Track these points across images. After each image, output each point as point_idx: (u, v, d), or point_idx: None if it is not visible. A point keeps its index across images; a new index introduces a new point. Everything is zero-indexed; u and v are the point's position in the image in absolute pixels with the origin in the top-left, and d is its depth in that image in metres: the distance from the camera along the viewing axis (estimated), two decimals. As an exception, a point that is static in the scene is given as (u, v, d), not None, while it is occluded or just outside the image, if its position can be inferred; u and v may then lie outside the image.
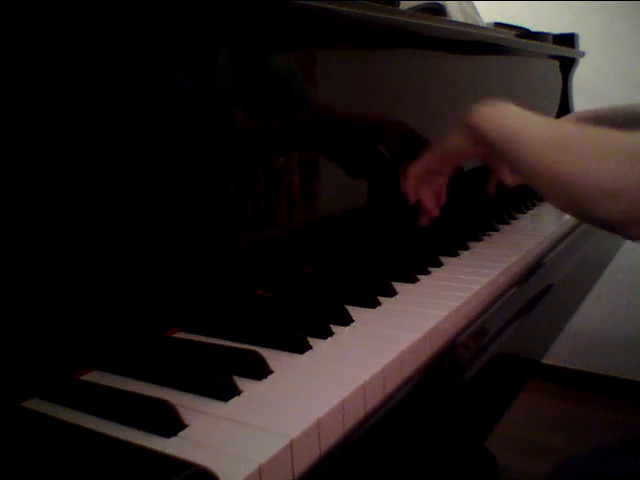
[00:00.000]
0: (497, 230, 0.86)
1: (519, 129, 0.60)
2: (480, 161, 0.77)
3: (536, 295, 0.71)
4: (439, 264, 0.69)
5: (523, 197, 1.02)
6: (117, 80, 0.46)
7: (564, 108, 1.45)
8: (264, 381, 0.42)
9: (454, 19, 1.00)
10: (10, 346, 0.40)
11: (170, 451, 0.34)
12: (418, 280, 0.64)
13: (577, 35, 1.46)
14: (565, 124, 0.64)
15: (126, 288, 0.47)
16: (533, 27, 1.34)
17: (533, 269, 0.75)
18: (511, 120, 0.62)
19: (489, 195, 0.87)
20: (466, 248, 0.76)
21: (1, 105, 0.39)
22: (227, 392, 0.40)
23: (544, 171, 0.57)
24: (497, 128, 0.63)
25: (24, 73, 0.40)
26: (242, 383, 0.41)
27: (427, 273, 0.66)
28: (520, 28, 1.30)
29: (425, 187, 0.76)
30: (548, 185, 0.57)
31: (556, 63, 1.40)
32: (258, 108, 0.60)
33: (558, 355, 1.88)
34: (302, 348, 0.47)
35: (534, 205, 1.05)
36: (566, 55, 1.40)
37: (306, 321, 0.50)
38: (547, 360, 1.89)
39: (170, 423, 0.36)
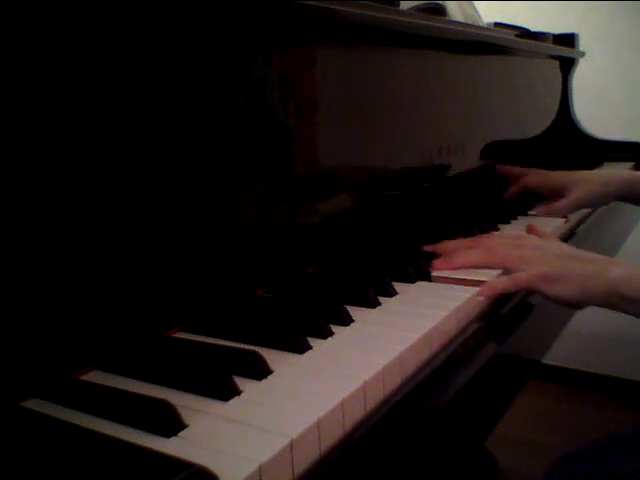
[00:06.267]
0: (497, 230, 0.86)
1: None
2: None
3: (536, 296, 0.71)
4: (439, 264, 0.69)
5: (520, 201, 1.01)
6: (118, 80, 0.46)
7: (564, 108, 1.45)
8: (264, 381, 0.42)
9: (454, 19, 1.00)
10: (10, 346, 0.40)
11: (170, 451, 0.34)
12: (418, 280, 0.64)
13: (577, 35, 1.47)
14: None
15: (126, 288, 0.47)
16: (533, 27, 1.34)
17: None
18: None
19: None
20: (466, 248, 0.76)
21: (2, 105, 0.39)
22: (227, 392, 0.40)
23: None
24: None
25: (26, 74, 0.40)
26: (242, 383, 0.41)
27: (428, 273, 0.66)
28: (520, 28, 1.30)
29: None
30: None
31: (556, 63, 1.40)
32: (255, 107, 0.59)
33: (558, 355, 1.88)
34: (302, 348, 0.47)
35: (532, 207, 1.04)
36: (566, 55, 1.41)
37: (306, 321, 0.50)
38: (547, 360, 1.89)
39: (170, 423, 0.36)
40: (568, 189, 0.95)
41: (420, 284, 0.63)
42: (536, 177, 1.01)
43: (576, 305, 0.66)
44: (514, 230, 0.88)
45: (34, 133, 0.41)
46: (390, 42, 0.77)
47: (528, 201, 1.00)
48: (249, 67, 0.58)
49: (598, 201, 0.97)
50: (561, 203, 0.94)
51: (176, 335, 0.51)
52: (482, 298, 0.61)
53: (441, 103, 0.92)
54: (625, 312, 0.66)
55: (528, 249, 0.68)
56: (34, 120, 0.41)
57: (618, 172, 1.01)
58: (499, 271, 0.66)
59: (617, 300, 0.64)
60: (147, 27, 0.47)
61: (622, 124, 1.75)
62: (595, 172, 1.03)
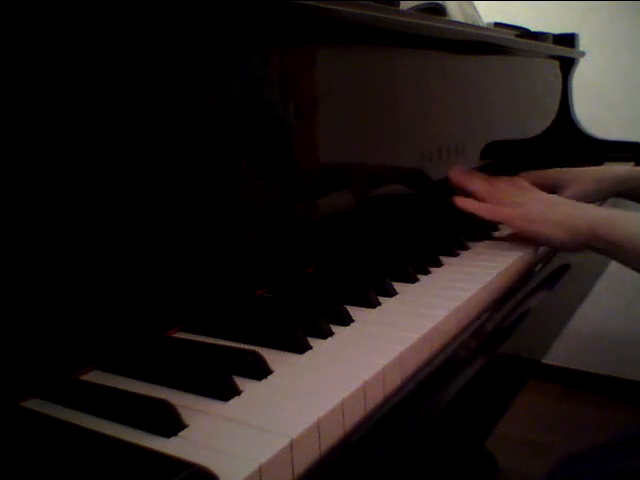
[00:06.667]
0: (498, 229, 0.87)
1: None
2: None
3: (536, 295, 0.71)
4: (439, 264, 0.69)
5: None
6: (118, 81, 0.46)
7: (564, 108, 1.45)
8: (264, 381, 0.42)
9: (454, 19, 1.00)
10: (10, 346, 0.40)
11: (170, 451, 0.34)
12: (418, 280, 0.64)
13: (577, 35, 1.47)
14: None
15: (126, 288, 0.47)
16: (533, 27, 1.34)
17: (532, 269, 0.75)
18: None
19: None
20: (466, 248, 0.76)
21: (2, 105, 0.39)
22: (227, 392, 0.40)
23: None
24: (633, 238, 0.66)
25: (26, 73, 0.40)
26: (242, 383, 0.41)
27: (427, 273, 0.66)
28: (520, 28, 1.30)
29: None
30: None
31: (556, 63, 1.40)
32: (253, 108, 0.59)
33: (558, 355, 1.88)
34: (302, 348, 0.47)
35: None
36: (566, 55, 1.40)
37: (306, 321, 0.50)
38: (547, 360, 1.89)
39: (170, 423, 0.36)
40: (563, 187, 0.96)
41: (420, 284, 0.63)
42: (530, 177, 1.01)
43: (562, 245, 0.72)
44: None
45: (32, 133, 0.41)
46: (390, 42, 0.77)
47: None
48: (249, 67, 0.58)
49: (593, 198, 0.97)
50: None
51: (176, 335, 0.51)
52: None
53: (441, 103, 0.92)
54: (605, 254, 0.71)
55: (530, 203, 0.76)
56: (31, 119, 0.41)
57: (613, 169, 1.01)
58: (499, 270, 0.66)
59: (596, 241, 0.69)
60: (145, 27, 0.47)
61: (622, 124, 1.75)
62: (589, 169, 1.03)
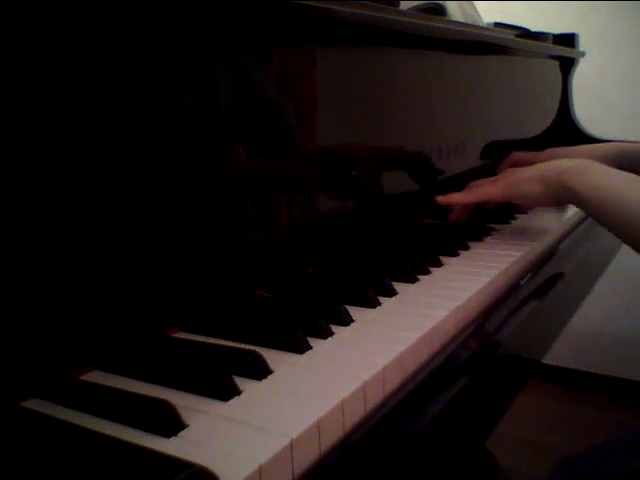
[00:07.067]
0: (496, 230, 0.86)
1: (618, 190, 0.65)
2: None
3: (536, 296, 0.71)
4: (439, 264, 0.69)
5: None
6: (120, 83, 0.46)
7: (564, 108, 1.45)
8: (264, 381, 0.42)
9: (454, 19, 1.00)
10: (10, 346, 0.40)
11: (170, 451, 0.34)
12: (418, 280, 0.64)
13: (577, 35, 1.46)
14: None
15: (126, 288, 0.47)
16: (533, 27, 1.34)
17: (532, 269, 0.75)
18: (609, 181, 0.67)
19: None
20: (466, 248, 0.76)
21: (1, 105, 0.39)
22: (227, 392, 0.40)
23: None
24: (594, 189, 0.67)
25: (25, 73, 0.40)
26: (242, 383, 0.41)
27: (427, 273, 0.66)
28: (520, 28, 1.30)
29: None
30: None
31: (556, 63, 1.40)
32: (253, 108, 0.59)
33: (558, 355, 1.88)
34: (302, 348, 0.47)
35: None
36: (566, 55, 1.40)
37: (306, 321, 0.50)
38: (547, 360, 1.89)
39: (170, 423, 0.36)
40: None
41: (420, 284, 0.63)
42: (523, 159, 1.01)
43: (538, 198, 0.74)
44: (517, 226, 0.88)
45: (31, 132, 0.41)
46: (390, 42, 0.77)
47: None
48: (249, 67, 0.58)
49: None
50: None
51: (176, 335, 0.51)
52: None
53: (441, 103, 0.92)
54: (577, 206, 0.72)
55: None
56: (30, 118, 0.41)
57: (608, 145, 1.00)
58: (499, 270, 0.66)
59: (565, 190, 0.70)
60: (145, 27, 0.47)
61: (622, 124, 1.75)
62: (583, 148, 1.02)
